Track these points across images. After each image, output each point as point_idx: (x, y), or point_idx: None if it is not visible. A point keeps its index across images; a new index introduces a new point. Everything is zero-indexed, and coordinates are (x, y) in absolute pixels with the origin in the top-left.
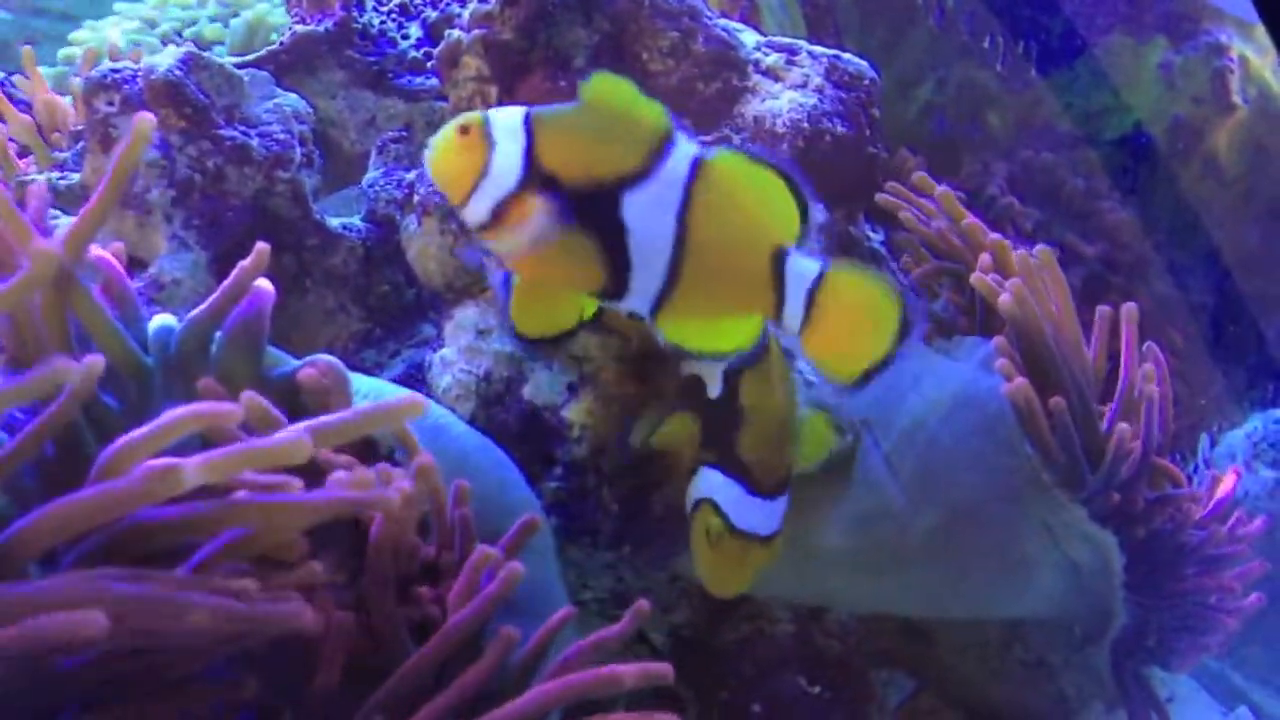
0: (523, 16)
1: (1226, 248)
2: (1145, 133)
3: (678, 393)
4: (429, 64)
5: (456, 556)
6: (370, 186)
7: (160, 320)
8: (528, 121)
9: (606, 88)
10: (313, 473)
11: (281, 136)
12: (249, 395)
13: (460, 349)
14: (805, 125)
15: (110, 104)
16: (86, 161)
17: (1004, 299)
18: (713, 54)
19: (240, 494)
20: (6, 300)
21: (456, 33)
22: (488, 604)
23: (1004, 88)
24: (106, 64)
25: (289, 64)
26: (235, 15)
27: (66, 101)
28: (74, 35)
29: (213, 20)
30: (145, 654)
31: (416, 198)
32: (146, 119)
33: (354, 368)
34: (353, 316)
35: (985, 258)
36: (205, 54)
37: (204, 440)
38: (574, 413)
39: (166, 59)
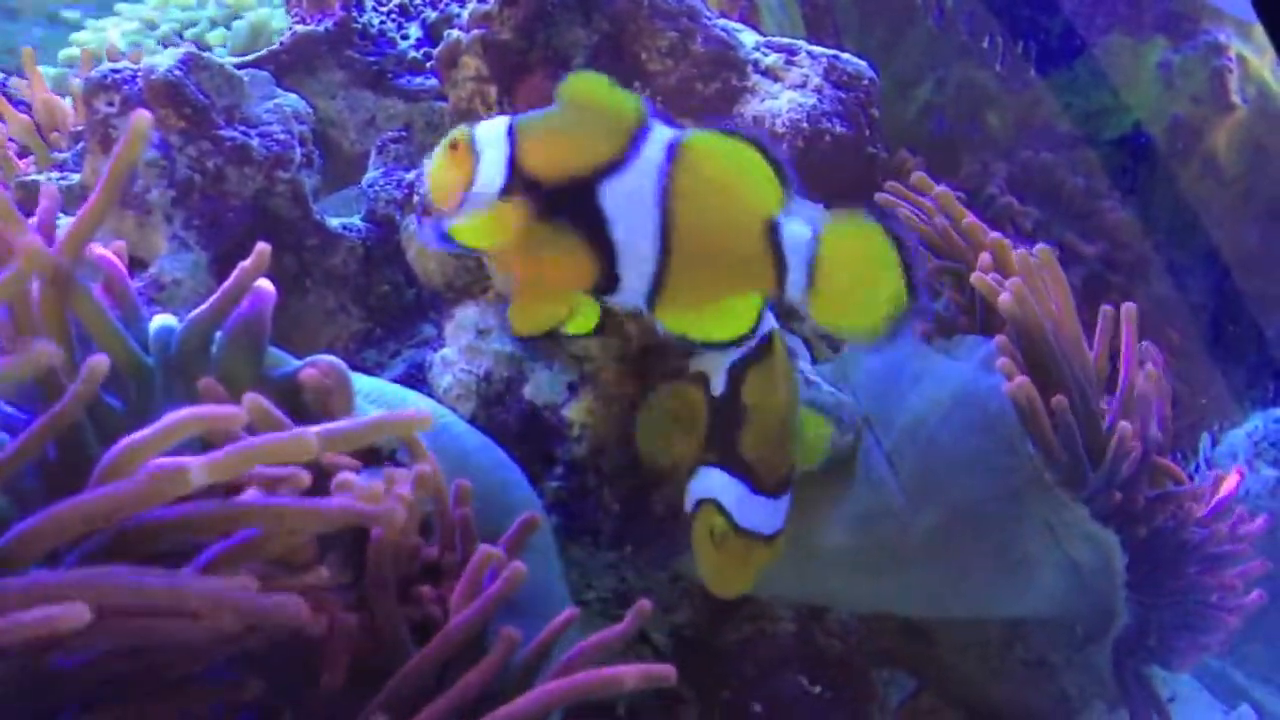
0: (522, 16)
1: (1226, 247)
2: (1144, 132)
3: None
4: (428, 64)
5: (458, 557)
6: (370, 186)
7: (161, 320)
8: (511, 129)
9: (581, 85)
10: (317, 473)
11: (281, 137)
12: (251, 396)
13: (460, 349)
14: (804, 125)
15: (110, 104)
16: (86, 162)
17: (1004, 298)
18: (712, 54)
19: (248, 494)
20: None
21: (456, 33)
22: (490, 605)
23: (1003, 88)
24: (106, 64)
25: (289, 64)
26: (236, 18)
27: (66, 102)
28: (75, 36)
29: (213, 26)
30: (145, 653)
31: (416, 198)
32: (144, 116)
33: (354, 368)
34: (353, 316)
35: (985, 257)
36: (205, 54)
37: (204, 442)
38: (574, 412)
39: (166, 59)
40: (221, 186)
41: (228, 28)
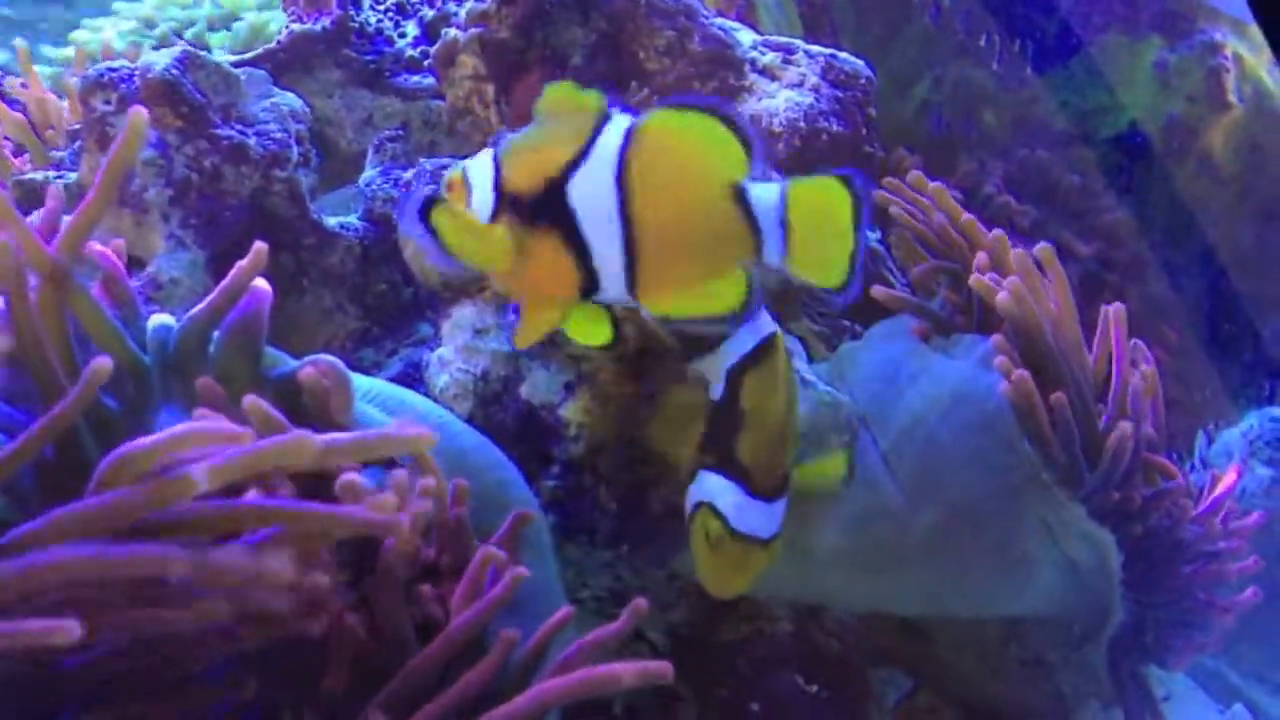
0: (519, 15)
1: (1222, 246)
2: (1140, 131)
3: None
4: (426, 63)
5: (452, 557)
6: (367, 185)
7: (158, 320)
8: (495, 156)
9: (550, 96)
10: (319, 473)
11: (278, 135)
12: (251, 398)
13: (458, 348)
14: (802, 124)
15: (107, 103)
16: (84, 160)
17: (1002, 296)
18: (709, 53)
19: (249, 495)
20: None
21: (453, 31)
22: (490, 607)
23: (1000, 86)
24: (103, 63)
25: (286, 63)
26: (234, 19)
27: (63, 101)
28: (72, 35)
29: (210, 27)
30: (145, 653)
31: None
32: (142, 114)
33: (352, 367)
34: (350, 315)
35: (982, 257)
36: (202, 53)
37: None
38: (571, 411)
39: (163, 58)
40: (218, 185)
41: (228, 28)
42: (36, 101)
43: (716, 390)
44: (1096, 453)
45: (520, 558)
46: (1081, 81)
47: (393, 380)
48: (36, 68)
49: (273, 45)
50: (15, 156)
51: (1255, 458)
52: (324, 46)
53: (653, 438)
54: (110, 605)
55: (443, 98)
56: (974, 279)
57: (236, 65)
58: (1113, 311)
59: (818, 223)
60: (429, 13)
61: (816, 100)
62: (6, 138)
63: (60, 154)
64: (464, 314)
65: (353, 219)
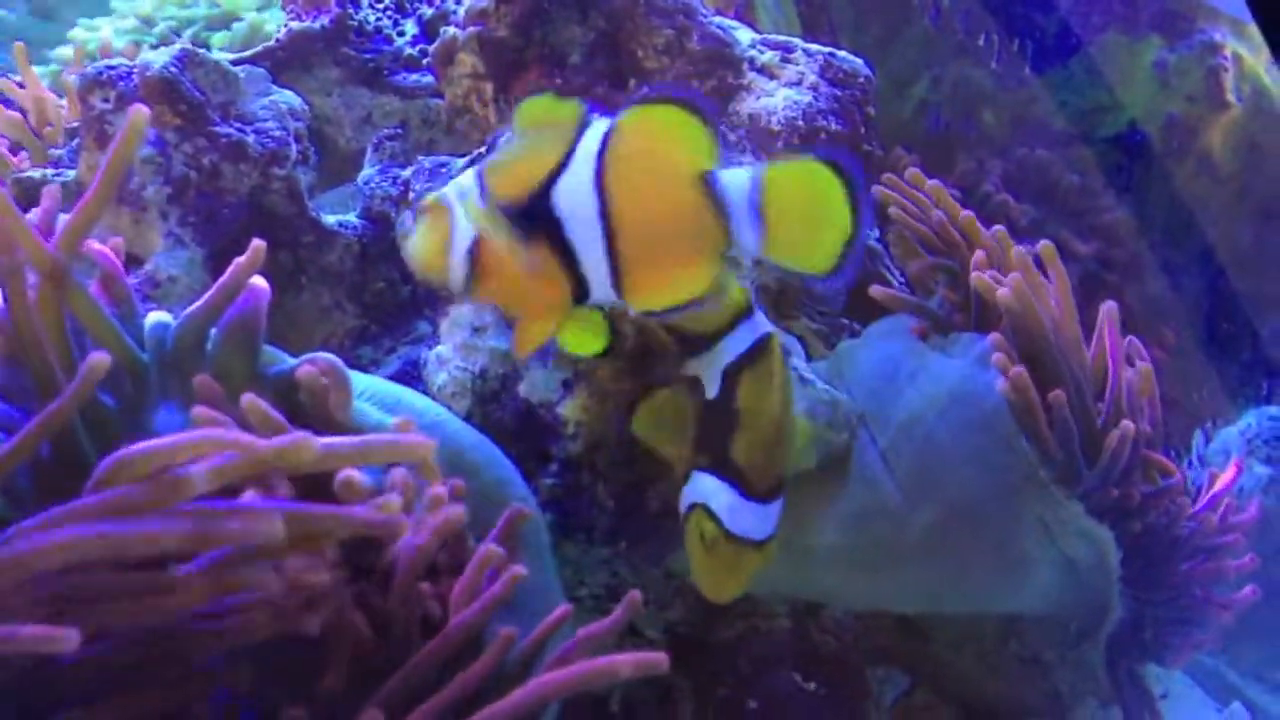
0: (518, 13)
1: (1220, 245)
2: (1140, 131)
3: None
4: (424, 61)
5: (448, 555)
6: (366, 183)
7: (156, 317)
8: (479, 174)
9: (528, 109)
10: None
11: (277, 133)
12: (249, 398)
13: (456, 346)
14: (800, 123)
15: (105, 101)
16: (82, 158)
17: (1003, 292)
18: (708, 51)
19: (246, 495)
20: None
21: (452, 30)
22: (489, 606)
23: (999, 85)
24: (102, 60)
25: (285, 61)
26: (233, 19)
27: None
28: (71, 33)
29: (209, 29)
30: (143, 649)
31: (412, 194)
32: (141, 112)
33: (350, 364)
34: (348, 313)
35: (980, 255)
36: (200, 51)
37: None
38: (569, 409)
39: (162, 56)
40: (217, 183)
41: (227, 28)
42: (34, 100)
43: (711, 389)
44: (1095, 450)
45: (518, 556)
46: (1080, 81)
47: (391, 378)
48: (36, 68)
49: (271, 43)
50: (13, 154)
51: (1253, 456)
52: (323, 45)
53: (634, 428)
54: (107, 595)
55: (441, 96)
56: (975, 276)
57: (235, 63)
58: (1105, 310)
59: (797, 206)
60: (428, 11)
61: (815, 99)
62: (2, 136)
63: (59, 152)
64: (462, 312)
65: (351, 217)
